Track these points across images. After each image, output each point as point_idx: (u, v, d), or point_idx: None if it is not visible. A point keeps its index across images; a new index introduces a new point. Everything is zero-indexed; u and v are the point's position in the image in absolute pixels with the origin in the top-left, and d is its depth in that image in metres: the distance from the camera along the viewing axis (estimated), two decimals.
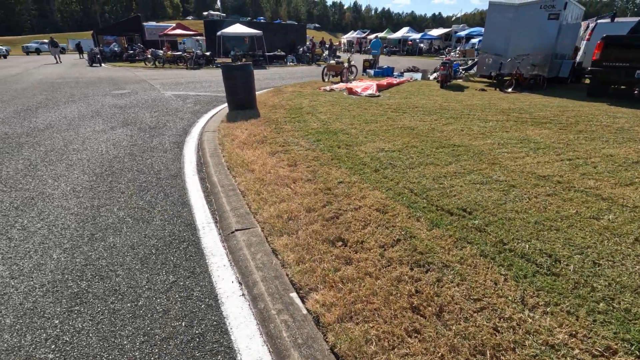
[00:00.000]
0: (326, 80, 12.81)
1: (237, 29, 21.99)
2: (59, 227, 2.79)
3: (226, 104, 8.31)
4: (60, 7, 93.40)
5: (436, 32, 41.60)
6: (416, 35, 39.88)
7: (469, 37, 34.02)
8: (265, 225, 2.74)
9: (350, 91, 9.45)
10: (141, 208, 3.14)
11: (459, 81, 12.49)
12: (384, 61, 25.77)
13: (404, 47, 41.39)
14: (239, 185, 3.53)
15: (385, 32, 48.09)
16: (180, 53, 21.86)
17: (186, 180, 3.81)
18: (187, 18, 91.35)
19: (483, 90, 10.20)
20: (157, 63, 21.00)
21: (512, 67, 10.01)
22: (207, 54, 21.41)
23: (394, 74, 15.02)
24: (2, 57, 34.70)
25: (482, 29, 33.61)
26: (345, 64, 12.96)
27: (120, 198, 3.33)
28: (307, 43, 27.65)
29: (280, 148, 4.66)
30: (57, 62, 25.18)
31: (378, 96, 9.01)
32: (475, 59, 14.69)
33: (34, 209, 3.10)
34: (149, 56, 21.62)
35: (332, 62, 13.47)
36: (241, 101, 7.28)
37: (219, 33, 21.55)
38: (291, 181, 3.57)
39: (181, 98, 9.30)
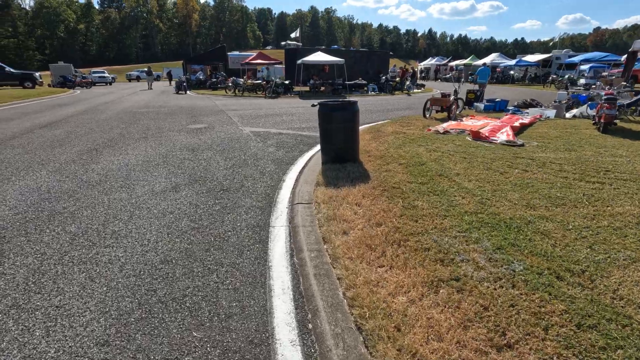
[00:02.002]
0: (427, 116, 10.56)
1: (318, 56, 21.05)
2: None
3: (315, 149, 6.53)
4: (161, 41, 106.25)
5: (532, 57, 36.93)
6: (509, 62, 35.65)
7: (573, 63, 29.19)
8: None
9: (476, 135, 7.05)
10: None
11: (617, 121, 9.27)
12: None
13: (493, 75, 37.42)
14: None
15: (469, 58, 44.48)
16: (259, 81, 21.53)
17: None
18: (267, 48, 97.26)
19: None
20: (236, 91, 20.84)
21: None
22: (286, 82, 20.72)
23: (508, 108, 12.21)
24: (108, 84, 38.80)
25: (604, 54, 28.48)
26: (451, 97, 10.62)
27: None
28: (390, 71, 25.85)
29: (441, 269, 2.50)
30: (149, 89, 27.32)
31: (521, 145, 6.48)
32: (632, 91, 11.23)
33: None
34: (230, 84, 21.66)
35: (436, 94, 11.21)
36: (340, 152, 5.37)
37: (299, 61, 20.78)
38: None
39: (261, 137, 7.80)
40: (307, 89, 21.86)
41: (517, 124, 8.23)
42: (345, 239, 3.02)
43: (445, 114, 10.50)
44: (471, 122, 9.17)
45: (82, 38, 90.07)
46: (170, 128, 9.01)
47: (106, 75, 40.64)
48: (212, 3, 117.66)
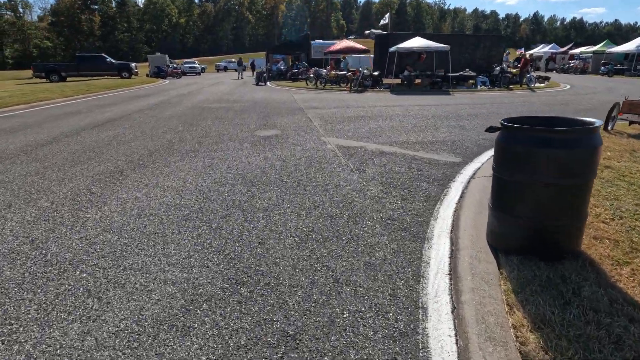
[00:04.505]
0: (610, 128, 6.76)
1: (416, 42, 17.52)
2: None
3: (451, 194, 3.63)
4: (250, 32, 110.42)
5: None
6: None
7: None
8: None
9: None
10: None
11: None
12: (605, 84, 16.31)
13: (638, 64, 29.17)
14: None
15: (602, 44, 35.73)
16: (344, 73, 18.92)
17: None
18: (350, 37, 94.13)
19: None
20: (318, 83, 18.57)
21: None
22: (375, 74, 17.76)
23: None
24: (197, 74, 40.00)
25: None
26: None
27: None
28: (503, 60, 21.05)
29: None
30: (239, 78, 28.33)
31: None
32: None
33: None
34: (311, 75, 19.50)
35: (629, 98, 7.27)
36: (541, 234, 2.41)
37: (393, 48, 17.55)
38: None
39: (354, 160, 5.13)
40: (399, 81, 18.57)
41: None
42: None
43: None
44: None
45: (181, 31, 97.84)
46: (232, 135, 6.88)
47: (196, 65, 42.07)
48: None
